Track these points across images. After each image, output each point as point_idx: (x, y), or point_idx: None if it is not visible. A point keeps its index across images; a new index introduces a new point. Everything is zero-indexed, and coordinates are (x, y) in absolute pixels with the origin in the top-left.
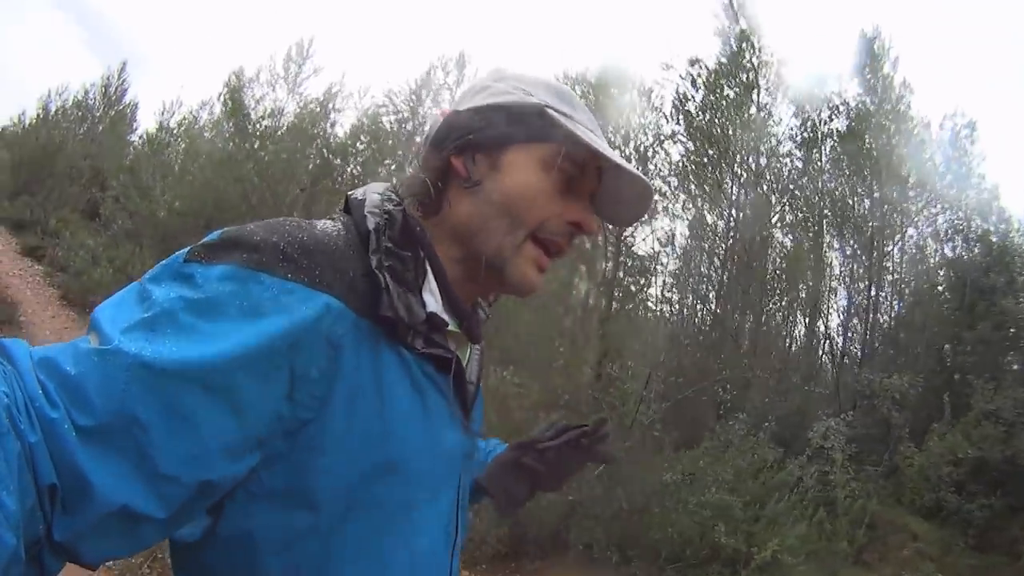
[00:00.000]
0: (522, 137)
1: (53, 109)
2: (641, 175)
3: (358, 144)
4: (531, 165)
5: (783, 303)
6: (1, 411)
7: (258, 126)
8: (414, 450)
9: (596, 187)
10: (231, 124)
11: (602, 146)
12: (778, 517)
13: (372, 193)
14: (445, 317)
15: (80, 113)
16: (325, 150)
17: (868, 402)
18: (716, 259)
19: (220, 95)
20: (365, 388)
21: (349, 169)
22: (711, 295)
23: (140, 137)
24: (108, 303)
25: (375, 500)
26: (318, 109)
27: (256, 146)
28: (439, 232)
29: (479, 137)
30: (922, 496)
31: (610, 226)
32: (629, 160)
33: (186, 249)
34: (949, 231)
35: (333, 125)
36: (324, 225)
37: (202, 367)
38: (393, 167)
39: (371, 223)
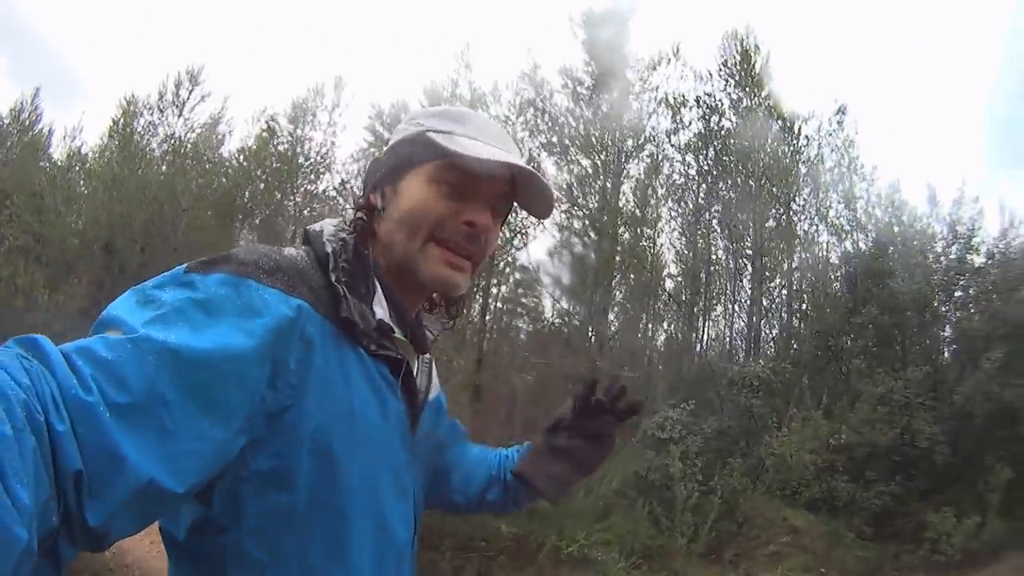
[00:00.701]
0: (411, 163)
1: None
2: (528, 167)
3: (248, 166)
4: (419, 182)
5: (656, 303)
6: (17, 407)
7: (143, 150)
8: (377, 437)
9: (498, 188)
10: (119, 148)
11: (481, 149)
12: (610, 511)
13: (328, 226)
14: (392, 325)
15: None
16: (211, 174)
17: (733, 393)
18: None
19: (113, 120)
20: (333, 379)
21: (242, 193)
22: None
23: (51, 163)
24: (116, 306)
25: (342, 481)
26: (206, 133)
27: (140, 170)
28: (377, 255)
29: (384, 173)
30: (791, 487)
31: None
32: (531, 163)
33: (184, 265)
34: (842, 222)
35: (220, 146)
36: (289, 250)
37: (215, 356)
38: (278, 196)
39: (328, 248)
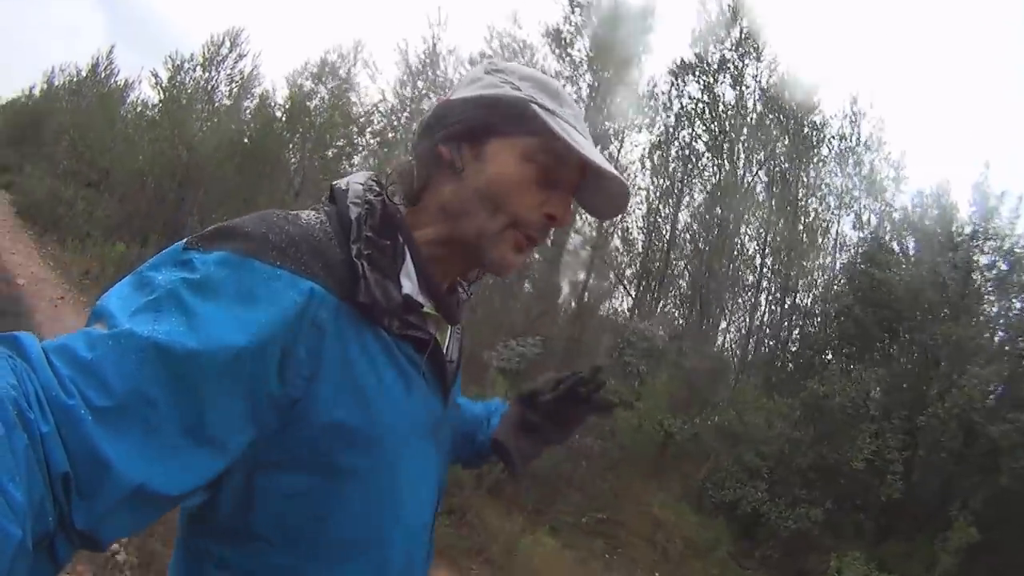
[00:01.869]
0: (506, 129)
1: (57, 83)
2: (618, 174)
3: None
4: (513, 156)
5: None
6: (8, 404)
7: (181, 101)
8: (396, 422)
9: (577, 180)
10: (164, 101)
11: (581, 142)
12: None
13: (355, 184)
14: (420, 299)
15: (73, 88)
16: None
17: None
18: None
19: (153, 74)
20: (349, 366)
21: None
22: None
23: (125, 108)
24: (111, 293)
25: (361, 470)
26: (239, 88)
27: (172, 119)
28: (421, 216)
29: (465, 127)
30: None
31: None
32: (610, 159)
33: (183, 240)
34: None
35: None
36: (308, 216)
37: (206, 352)
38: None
39: (353, 213)
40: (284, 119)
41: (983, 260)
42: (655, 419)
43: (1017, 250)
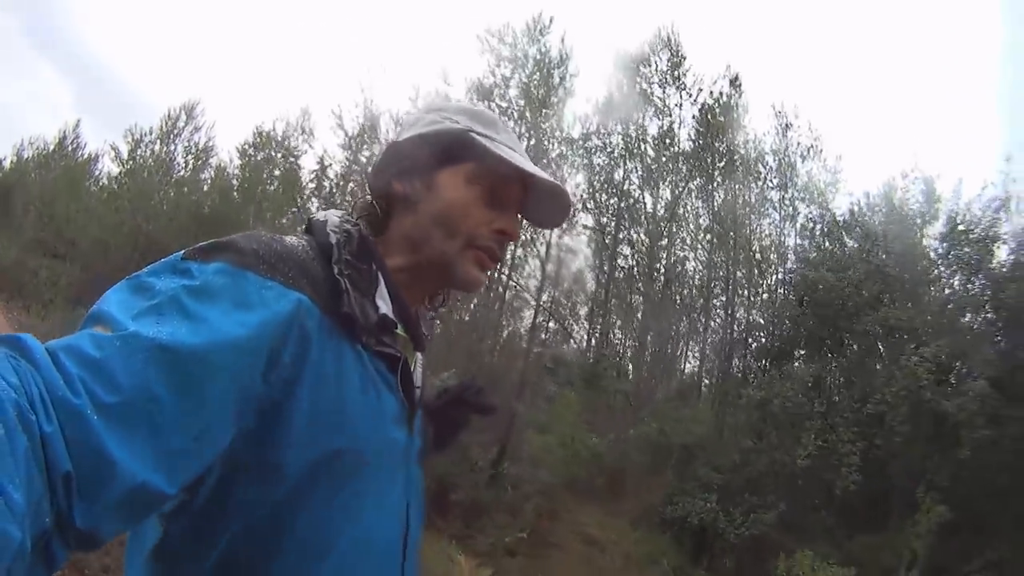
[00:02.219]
0: (450, 159)
1: (26, 155)
2: (557, 183)
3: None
4: (460, 183)
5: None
6: (9, 406)
7: (141, 173)
8: (368, 434)
9: (520, 196)
10: (124, 174)
11: (521, 161)
12: None
13: (332, 216)
14: (395, 319)
15: (42, 160)
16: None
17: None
18: None
19: (113, 148)
20: (328, 375)
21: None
22: None
23: (90, 181)
24: (108, 298)
25: (330, 478)
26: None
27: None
28: (386, 246)
29: (415, 162)
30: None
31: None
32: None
33: (181, 251)
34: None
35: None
36: (290, 239)
37: (208, 351)
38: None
39: (333, 239)
40: (240, 189)
41: (927, 243)
42: (567, 437)
43: (960, 227)
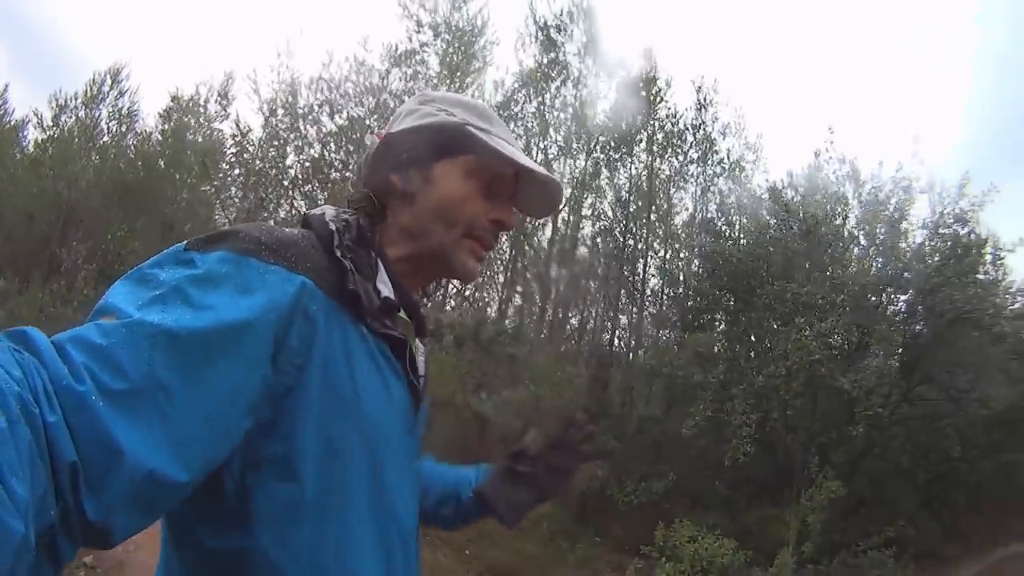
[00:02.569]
0: (448, 152)
1: None
2: (550, 175)
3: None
4: (457, 175)
5: None
6: (11, 398)
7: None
8: (382, 420)
9: (513, 188)
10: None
11: (516, 154)
12: None
13: (328, 209)
14: (397, 303)
15: None
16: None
17: None
18: None
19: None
20: (336, 357)
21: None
22: None
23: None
24: (114, 291)
25: (356, 467)
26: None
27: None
28: (384, 237)
29: (411, 155)
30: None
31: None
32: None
33: (183, 242)
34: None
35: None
36: (290, 230)
37: (213, 334)
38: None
39: (333, 227)
40: (164, 155)
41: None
42: (448, 398)
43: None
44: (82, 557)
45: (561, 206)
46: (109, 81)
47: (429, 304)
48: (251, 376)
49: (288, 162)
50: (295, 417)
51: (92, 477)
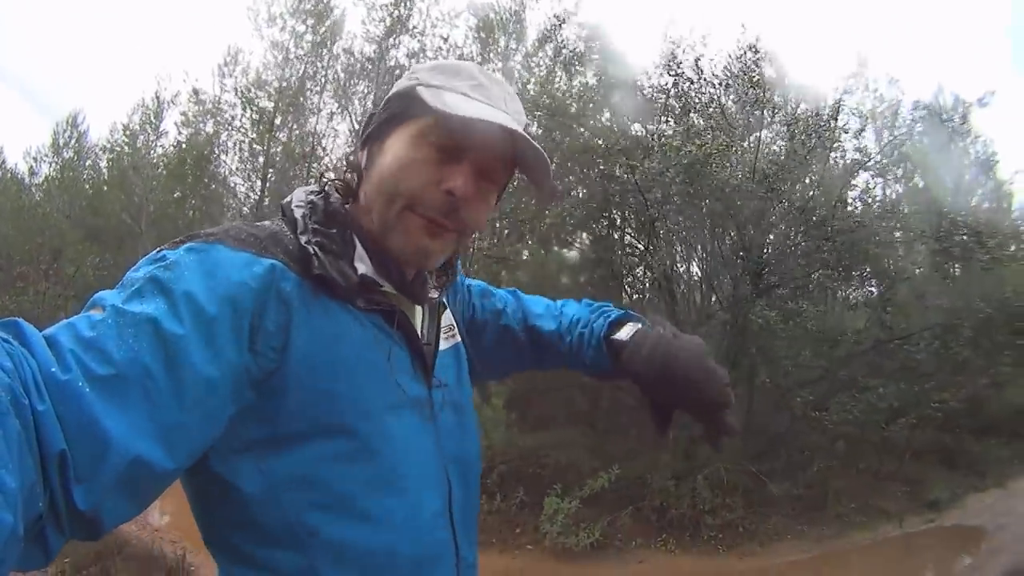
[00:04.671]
0: (399, 119)
1: None
2: (514, 127)
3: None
4: (403, 141)
5: None
6: (1, 391)
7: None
8: (375, 394)
9: (494, 152)
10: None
11: (466, 107)
12: None
13: (297, 193)
14: (377, 279)
15: None
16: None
17: None
18: None
19: None
20: (320, 339)
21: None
22: None
23: None
24: (104, 291)
25: (346, 445)
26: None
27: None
28: (360, 214)
29: (373, 129)
30: None
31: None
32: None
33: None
34: None
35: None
36: (265, 223)
37: (191, 319)
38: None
39: (298, 213)
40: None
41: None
42: None
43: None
44: None
45: (549, 167)
46: (69, 128)
47: (442, 292)
48: (229, 363)
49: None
50: (280, 399)
51: (80, 465)
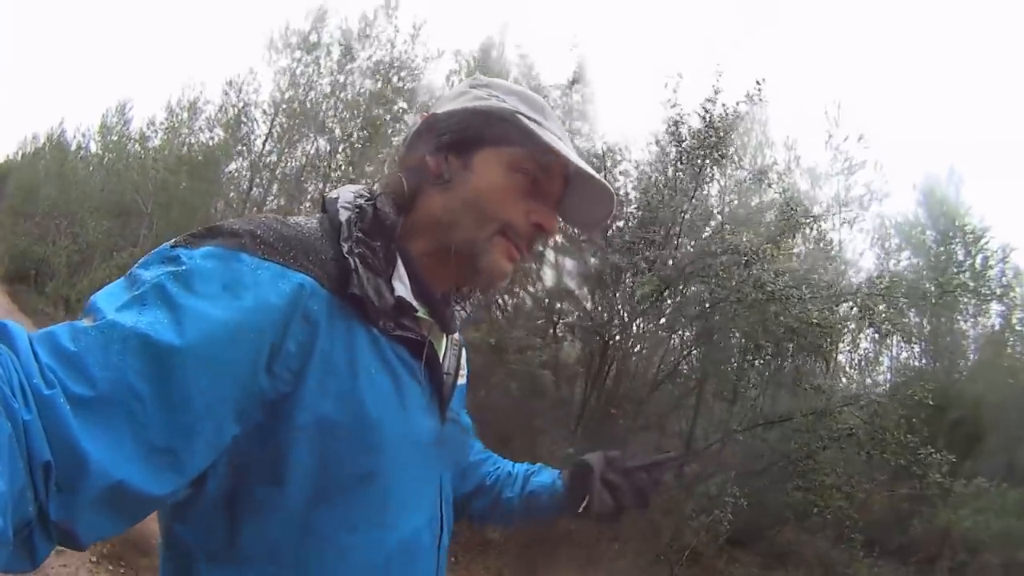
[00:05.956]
0: (493, 140)
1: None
2: (604, 181)
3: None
4: (500, 166)
5: None
6: None
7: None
8: (386, 427)
9: (560, 192)
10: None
11: (569, 153)
12: None
13: (345, 192)
14: (414, 303)
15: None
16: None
17: None
18: None
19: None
20: (338, 364)
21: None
22: None
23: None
24: (103, 290)
25: (348, 477)
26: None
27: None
28: (412, 226)
29: (453, 138)
30: None
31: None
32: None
33: (172, 240)
34: None
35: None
36: (298, 219)
37: (193, 338)
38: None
39: (343, 216)
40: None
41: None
42: None
43: None
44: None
45: (611, 220)
46: (117, 114)
47: (467, 307)
48: (237, 385)
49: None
50: (288, 425)
51: (63, 479)
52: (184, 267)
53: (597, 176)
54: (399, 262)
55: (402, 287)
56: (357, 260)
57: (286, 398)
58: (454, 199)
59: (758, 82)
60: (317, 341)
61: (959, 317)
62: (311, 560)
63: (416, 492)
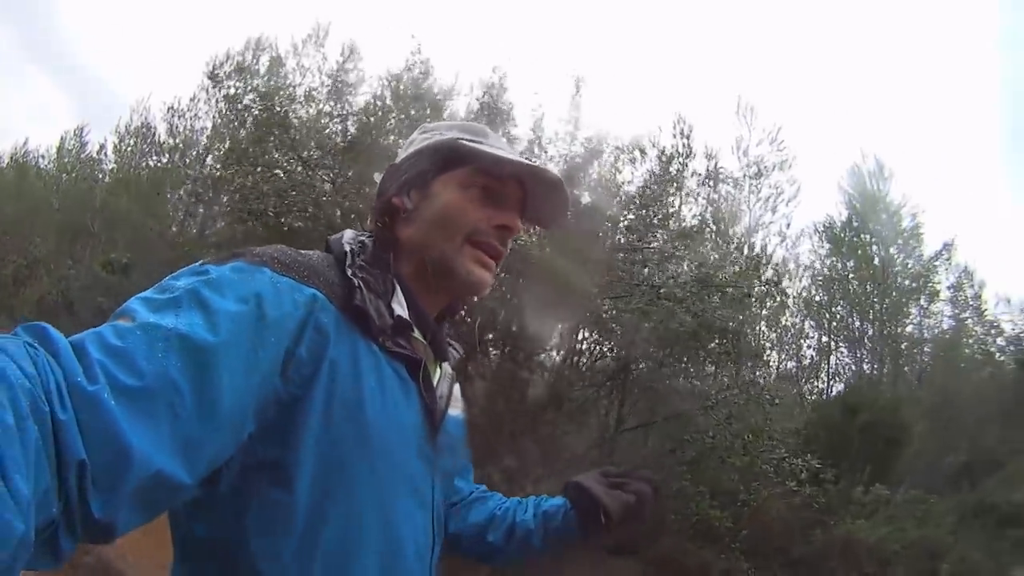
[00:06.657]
0: (443, 167)
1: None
2: (553, 174)
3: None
4: (454, 186)
5: None
6: (21, 395)
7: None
8: (387, 434)
9: (519, 194)
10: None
11: (509, 155)
12: None
13: (347, 233)
14: (411, 322)
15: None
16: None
17: None
18: None
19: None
20: (344, 372)
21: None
22: None
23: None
24: (136, 296)
25: (351, 485)
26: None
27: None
28: (398, 258)
29: (409, 176)
30: None
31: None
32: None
33: (200, 260)
34: None
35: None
36: (309, 252)
37: (226, 339)
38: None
39: (347, 248)
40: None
41: None
42: None
43: None
44: None
45: (569, 207)
46: (74, 138)
47: (461, 319)
48: (259, 383)
49: None
50: (297, 427)
51: (100, 475)
52: (213, 276)
53: (541, 166)
54: (397, 289)
55: (400, 309)
56: (360, 282)
57: (297, 401)
58: (423, 224)
59: None
60: (327, 350)
61: (907, 320)
62: (314, 560)
63: (414, 501)
